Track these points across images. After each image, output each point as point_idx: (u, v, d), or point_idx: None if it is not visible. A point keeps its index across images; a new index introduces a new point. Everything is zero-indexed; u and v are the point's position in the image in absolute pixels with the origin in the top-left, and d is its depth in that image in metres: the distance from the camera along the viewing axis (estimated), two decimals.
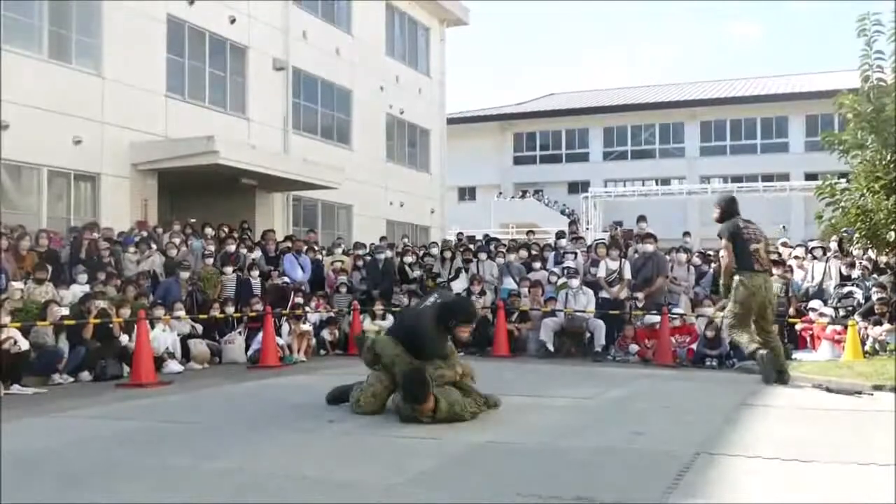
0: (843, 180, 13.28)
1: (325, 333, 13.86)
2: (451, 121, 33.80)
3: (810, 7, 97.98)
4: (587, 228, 32.51)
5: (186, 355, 12.00)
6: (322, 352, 13.70)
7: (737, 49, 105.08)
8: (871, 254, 13.92)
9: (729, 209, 9.51)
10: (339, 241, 18.48)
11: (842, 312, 12.45)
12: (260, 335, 12.18)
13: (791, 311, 12.86)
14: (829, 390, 8.52)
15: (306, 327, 13.19)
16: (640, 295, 13.35)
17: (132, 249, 14.23)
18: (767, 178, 37.76)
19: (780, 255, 15.28)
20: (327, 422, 6.57)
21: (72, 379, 10.27)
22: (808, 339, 12.45)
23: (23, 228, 13.38)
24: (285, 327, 13.01)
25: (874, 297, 12.06)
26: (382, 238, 19.61)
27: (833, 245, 14.53)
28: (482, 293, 14.43)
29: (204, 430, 6.44)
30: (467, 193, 44.61)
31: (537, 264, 15.34)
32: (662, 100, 43.60)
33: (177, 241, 14.90)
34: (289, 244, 16.37)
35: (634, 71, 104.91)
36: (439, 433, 5.95)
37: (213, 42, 19.87)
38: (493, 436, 5.87)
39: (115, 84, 16.99)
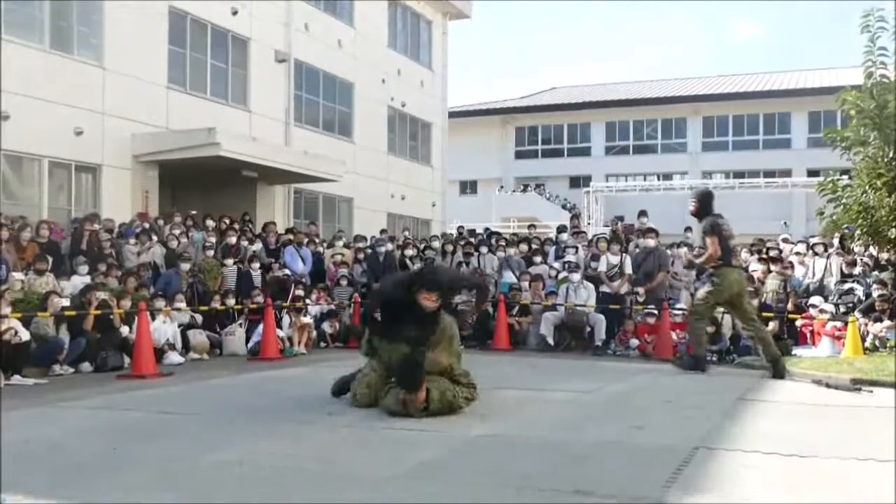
0: (845, 177, 13.27)
1: (326, 326, 13.87)
2: (452, 114, 33.78)
3: (814, 5, 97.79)
4: (588, 223, 32.47)
5: (186, 346, 12.01)
6: (322, 344, 13.71)
7: (740, 47, 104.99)
8: (873, 250, 13.93)
9: (706, 204, 9.82)
10: (339, 233, 18.48)
11: (842, 309, 12.44)
12: (260, 327, 12.18)
13: (790, 306, 12.86)
14: (828, 386, 8.53)
15: (307, 320, 13.20)
16: (640, 290, 13.35)
17: (133, 241, 14.23)
18: (769, 174, 37.72)
19: (780, 251, 15.28)
20: (327, 414, 6.58)
21: (72, 370, 10.28)
22: (809, 335, 12.46)
23: (24, 220, 13.38)
24: (286, 320, 13.01)
25: (875, 294, 12.06)
26: (383, 231, 19.61)
27: (834, 242, 14.52)
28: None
29: (204, 422, 6.45)
30: (468, 187, 44.58)
31: (538, 258, 15.33)
32: (665, 95, 43.53)
33: (178, 232, 14.90)
34: (290, 236, 16.37)
35: (636, 67, 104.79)
36: (438, 426, 5.96)
37: (215, 34, 19.84)
38: (492, 429, 5.88)
39: (116, 75, 16.97)
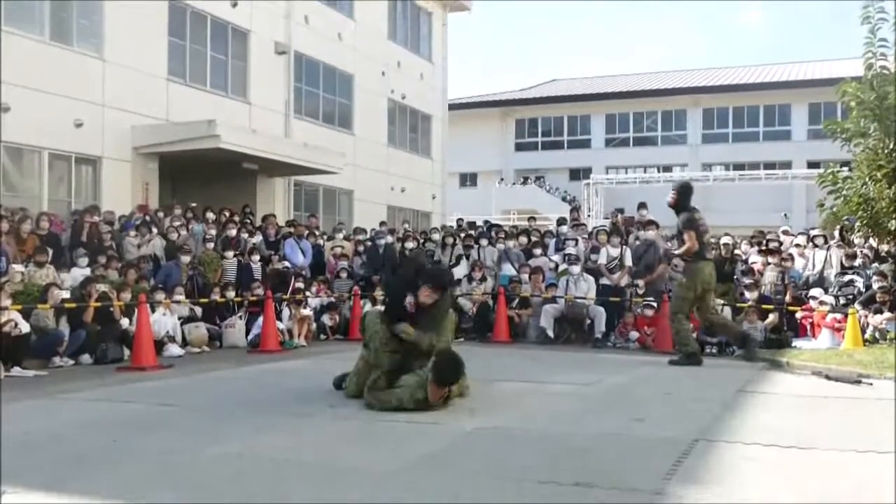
0: (845, 169, 13.26)
1: (326, 318, 13.86)
2: (452, 106, 33.73)
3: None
4: (588, 215, 32.47)
5: (185, 339, 12.01)
6: (322, 337, 13.70)
7: (740, 38, 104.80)
8: (873, 242, 13.92)
9: (685, 197, 10.22)
10: (340, 226, 18.47)
11: (842, 301, 12.44)
12: (260, 320, 12.18)
13: (787, 298, 12.87)
14: (828, 378, 8.54)
15: (307, 312, 13.19)
16: (640, 282, 13.35)
17: (133, 233, 14.23)
18: (769, 165, 37.71)
19: (780, 243, 15.28)
20: (327, 406, 6.58)
21: (72, 362, 10.28)
22: (809, 327, 12.46)
23: (24, 211, 13.37)
24: (286, 312, 13.01)
25: (875, 286, 12.06)
26: (382, 223, 19.59)
27: (835, 233, 14.52)
28: (483, 279, 14.43)
29: (204, 414, 6.45)
30: (468, 179, 44.57)
31: (538, 251, 15.33)
32: (665, 87, 43.48)
33: (178, 224, 14.90)
34: (290, 229, 16.37)
35: (636, 58, 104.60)
36: (439, 418, 5.96)
37: (215, 25, 19.79)
38: (493, 421, 5.88)
39: (116, 67, 16.94)
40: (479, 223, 20.83)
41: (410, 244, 16.25)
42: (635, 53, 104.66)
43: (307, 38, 22.58)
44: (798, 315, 12.60)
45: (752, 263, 14.40)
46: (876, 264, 13.23)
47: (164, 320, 11.51)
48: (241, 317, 12.88)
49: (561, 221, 17.70)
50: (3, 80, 14.38)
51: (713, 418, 6.10)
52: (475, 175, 44.43)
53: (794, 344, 11.72)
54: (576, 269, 13.60)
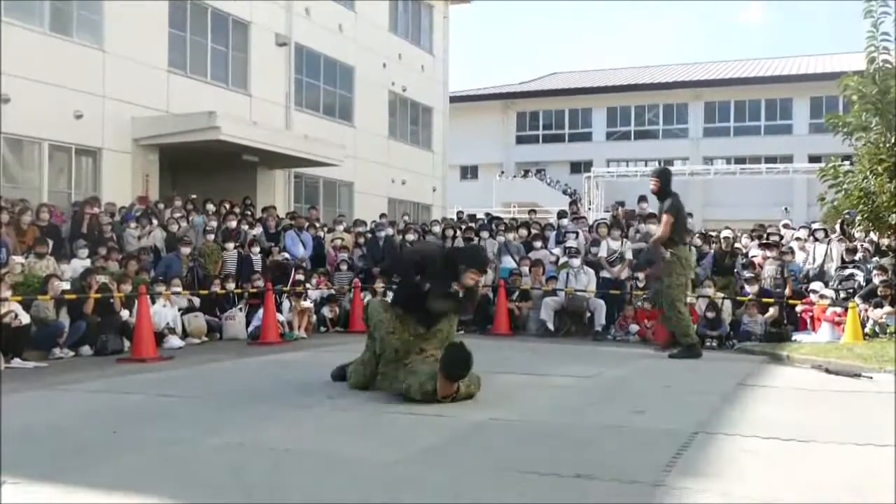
0: (847, 163, 13.26)
1: (326, 310, 13.87)
2: (453, 99, 33.68)
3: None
4: (589, 208, 32.46)
5: (185, 330, 12.02)
6: (322, 329, 13.72)
7: (740, 37, 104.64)
8: (873, 236, 13.92)
9: (667, 182, 10.12)
10: (340, 218, 18.46)
11: (842, 294, 12.45)
12: (261, 311, 12.19)
13: (787, 292, 12.88)
14: (828, 371, 8.55)
15: (307, 304, 13.21)
16: (640, 275, 13.35)
17: (133, 225, 14.22)
18: (771, 159, 37.67)
19: (781, 237, 15.28)
20: (327, 398, 6.58)
21: (72, 353, 10.29)
22: (809, 320, 12.47)
23: (24, 203, 13.36)
24: (286, 304, 13.03)
25: (875, 280, 12.07)
26: (382, 215, 19.58)
27: (836, 227, 14.52)
28: (483, 271, 14.39)
29: (204, 405, 6.45)
30: (469, 172, 44.53)
31: (538, 243, 15.33)
32: (666, 80, 43.41)
33: (178, 216, 14.90)
34: (290, 221, 16.36)
35: (638, 52, 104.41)
36: (440, 410, 5.96)
37: (216, 17, 19.75)
38: (493, 413, 5.88)
39: (116, 58, 16.91)
40: (480, 216, 20.81)
41: (411, 236, 16.25)
42: (637, 47, 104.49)
43: (308, 29, 22.53)
44: (798, 309, 12.61)
45: (753, 257, 14.41)
46: (876, 258, 13.23)
47: (164, 312, 11.52)
48: (241, 309, 12.89)
49: (561, 214, 17.71)
50: (3, 72, 14.35)
51: (713, 411, 6.11)
52: (476, 168, 44.39)
53: (794, 337, 11.74)
54: (576, 261, 13.61)
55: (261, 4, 20.93)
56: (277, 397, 6.72)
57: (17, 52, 14.67)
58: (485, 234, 15.91)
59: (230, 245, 14.16)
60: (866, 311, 11.64)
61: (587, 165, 39.73)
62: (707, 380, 8.11)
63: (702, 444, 4.91)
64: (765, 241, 14.75)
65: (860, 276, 12.81)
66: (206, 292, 12.66)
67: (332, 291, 14.33)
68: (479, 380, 6.50)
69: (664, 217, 9.82)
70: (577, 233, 15.33)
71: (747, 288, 12.70)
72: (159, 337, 10.93)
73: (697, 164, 38.54)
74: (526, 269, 14.29)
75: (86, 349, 10.46)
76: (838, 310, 11.76)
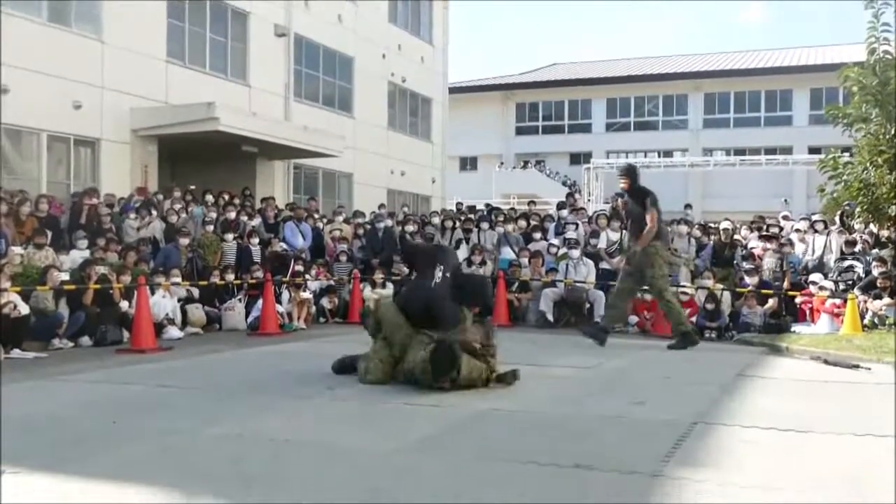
0: (846, 154, 13.26)
1: (325, 301, 13.87)
2: (453, 90, 33.63)
3: None
4: (588, 199, 32.44)
5: (185, 321, 12.02)
6: (321, 320, 13.72)
7: (739, 35, 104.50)
8: (873, 227, 13.92)
9: (637, 179, 10.30)
10: (340, 209, 18.44)
11: (842, 286, 12.45)
12: (260, 302, 12.19)
13: (786, 283, 12.89)
14: (826, 363, 8.55)
15: (306, 295, 13.20)
16: None
17: (132, 216, 14.21)
18: (770, 151, 37.60)
19: (780, 228, 15.28)
20: (326, 389, 6.59)
21: (72, 344, 10.29)
22: (808, 312, 12.47)
23: (24, 194, 13.35)
24: (285, 295, 13.02)
25: (874, 272, 12.07)
26: (382, 206, 19.56)
27: (835, 219, 14.52)
28: (483, 263, 14.43)
29: (203, 396, 6.46)
30: (469, 163, 44.48)
31: (538, 235, 15.32)
32: (666, 71, 43.33)
33: (178, 207, 14.89)
34: (290, 212, 16.35)
35: (637, 50, 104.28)
36: (440, 400, 5.97)
37: (214, 7, 19.69)
38: (493, 404, 5.89)
39: (115, 49, 16.87)
40: (480, 207, 20.79)
41: (410, 227, 16.24)
42: (636, 46, 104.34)
43: (307, 20, 22.47)
44: (797, 300, 12.61)
45: (752, 248, 14.41)
46: (876, 250, 13.23)
47: (163, 303, 11.51)
48: (240, 299, 12.88)
49: (561, 205, 17.71)
50: (3, 63, 14.31)
51: (712, 402, 6.12)
52: (475, 159, 44.35)
53: (793, 329, 11.74)
54: (575, 253, 13.61)
55: None
56: (277, 388, 6.73)
57: (16, 42, 14.62)
58: (484, 224, 15.89)
59: (229, 236, 14.15)
60: (865, 302, 11.65)
61: (587, 157, 39.68)
62: (706, 371, 8.12)
63: (701, 435, 4.92)
64: (764, 233, 14.74)
65: (859, 268, 12.81)
66: (205, 283, 12.65)
67: (332, 282, 14.33)
68: (484, 368, 6.51)
69: (651, 212, 9.94)
70: (576, 224, 15.32)
71: (747, 279, 12.70)
72: (158, 328, 10.91)
73: (697, 156, 38.48)
74: (525, 261, 14.29)
75: (85, 340, 10.46)
76: (837, 301, 11.76)
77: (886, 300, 11.50)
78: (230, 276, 13.01)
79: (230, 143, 17.91)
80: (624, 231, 14.09)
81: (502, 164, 42.54)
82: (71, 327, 10.38)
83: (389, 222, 16.52)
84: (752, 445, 4.67)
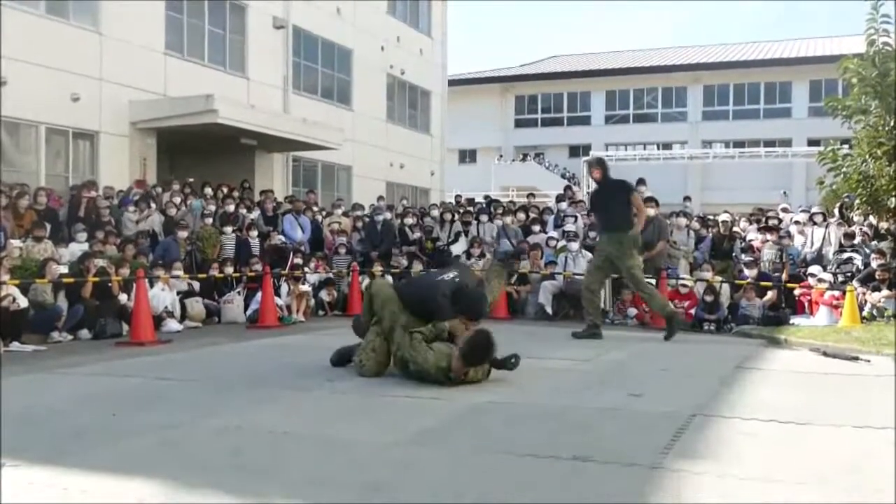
0: (846, 146, 13.23)
1: (324, 294, 13.86)
2: (452, 82, 33.58)
3: None
4: (588, 192, 32.36)
5: (184, 314, 12.02)
6: (320, 312, 13.72)
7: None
8: (872, 220, 13.91)
9: (607, 169, 10.40)
10: (339, 202, 18.42)
11: (840, 278, 12.46)
12: (259, 295, 12.19)
13: (785, 276, 12.89)
14: (825, 355, 8.56)
15: (305, 288, 13.20)
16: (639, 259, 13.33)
17: (131, 208, 14.20)
18: (770, 143, 37.53)
19: (780, 220, 15.27)
20: (326, 381, 6.59)
21: (71, 337, 10.29)
22: (807, 304, 12.48)
23: (24, 187, 13.33)
24: (284, 288, 13.02)
25: (873, 264, 12.06)
26: (380, 198, 19.55)
27: (834, 211, 14.52)
28: (482, 255, 14.42)
29: (202, 388, 6.46)
30: (468, 156, 44.44)
31: (537, 227, 15.32)
32: (665, 63, 43.26)
33: (177, 200, 14.87)
34: (289, 205, 16.33)
35: (637, 36, 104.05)
36: (439, 393, 5.97)
37: None
38: (492, 396, 5.90)
39: (113, 41, 16.83)
40: (479, 199, 20.78)
41: (410, 220, 16.23)
42: (635, 44, 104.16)
43: (305, 12, 22.43)
44: (796, 292, 12.61)
45: (751, 241, 14.41)
46: (875, 242, 13.23)
47: (162, 295, 11.51)
48: (239, 292, 12.88)
49: (560, 198, 17.68)
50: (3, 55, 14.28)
51: (711, 394, 6.12)
52: (474, 151, 44.30)
53: (791, 321, 11.74)
54: (574, 245, 13.61)
55: None
56: (276, 380, 6.73)
57: (14, 34, 14.59)
58: (483, 217, 15.89)
59: (228, 229, 14.13)
60: (864, 294, 11.65)
61: (586, 149, 39.56)
62: (705, 363, 8.13)
63: (700, 427, 4.92)
64: (764, 225, 14.74)
65: (858, 260, 12.81)
66: (204, 276, 12.65)
67: (331, 275, 14.32)
68: (488, 370, 6.52)
69: (637, 198, 10.24)
70: (575, 217, 15.31)
71: (746, 271, 12.70)
72: (157, 320, 10.92)
73: (696, 148, 38.39)
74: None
75: (84, 333, 10.46)
76: (836, 293, 11.76)
77: (885, 292, 11.50)
78: (229, 269, 13.00)
79: (229, 135, 17.90)
80: None
81: (501, 156, 42.51)
82: (70, 320, 10.38)
83: (388, 215, 16.51)
84: (751, 437, 4.67)
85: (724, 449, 4.40)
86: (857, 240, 13.48)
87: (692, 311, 12.33)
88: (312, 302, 13.51)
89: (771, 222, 14.88)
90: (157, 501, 3.51)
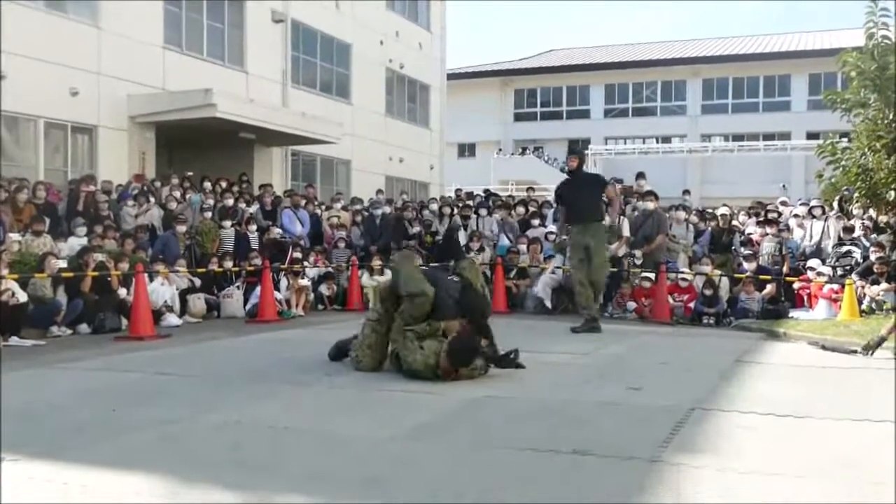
0: (845, 140, 13.22)
1: (323, 288, 13.87)
2: (451, 76, 33.54)
3: None
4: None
5: (184, 309, 12.02)
6: (320, 307, 13.72)
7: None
8: (871, 213, 13.91)
9: (584, 158, 10.70)
10: (338, 195, 18.42)
11: (839, 271, 12.46)
12: (258, 290, 12.19)
13: (784, 269, 12.90)
14: (824, 348, 8.57)
15: (304, 282, 13.20)
16: (637, 252, 13.34)
17: (130, 203, 14.19)
18: (769, 136, 37.60)
19: (779, 214, 15.27)
20: (324, 376, 6.60)
21: (70, 331, 10.29)
22: (806, 297, 12.49)
23: (23, 181, 13.32)
24: (283, 282, 13.02)
25: (872, 257, 12.07)
26: (379, 191, 19.54)
27: (833, 204, 14.51)
28: (481, 249, 14.42)
29: (202, 383, 6.46)
30: (467, 150, 44.41)
31: (536, 221, 15.32)
32: (664, 57, 43.23)
33: (177, 194, 14.86)
34: (288, 199, 16.32)
35: (636, 29, 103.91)
36: (437, 388, 5.98)
37: None
38: (491, 391, 5.90)
39: (111, 35, 16.79)
40: (478, 193, 20.77)
41: (409, 214, 16.22)
42: (635, 23, 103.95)
43: (304, 6, 22.37)
44: (795, 286, 12.62)
45: (750, 234, 14.41)
46: (874, 235, 13.23)
47: (161, 290, 11.51)
48: (238, 287, 12.88)
49: None
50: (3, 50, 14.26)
51: (710, 387, 6.13)
52: (473, 145, 44.28)
53: (791, 314, 11.74)
54: None
55: None
56: (275, 375, 6.73)
57: (12, 28, 14.54)
58: (483, 211, 15.89)
59: (227, 223, 14.12)
60: (863, 287, 11.66)
61: (585, 143, 39.63)
62: (704, 356, 8.13)
63: (698, 421, 4.93)
64: (763, 219, 14.74)
65: (857, 253, 12.82)
66: (203, 270, 12.64)
67: (330, 269, 14.32)
68: (485, 365, 6.52)
69: (615, 195, 10.66)
70: None
71: (745, 265, 12.70)
72: (157, 315, 10.92)
73: (695, 142, 38.48)
74: (523, 247, 14.28)
75: (83, 327, 10.46)
76: (835, 287, 11.77)
77: (884, 285, 11.51)
78: (228, 264, 12.99)
79: (228, 129, 17.87)
80: (621, 216, 14.05)
81: (500, 150, 42.49)
82: (69, 315, 10.38)
83: (387, 209, 16.50)
84: (750, 431, 4.68)
85: (723, 442, 4.41)
86: (857, 233, 13.48)
87: (691, 305, 12.33)
88: (312, 296, 13.52)
89: (770, 216, 14.88)
90: (156, 496, 3.52)
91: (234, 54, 20.39)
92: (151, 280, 11.22)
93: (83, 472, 3.86)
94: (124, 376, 6.88)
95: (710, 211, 16.27)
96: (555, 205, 12.27)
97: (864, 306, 11.40)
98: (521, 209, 16.03)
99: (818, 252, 13.48)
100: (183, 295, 12.12)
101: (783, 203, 16.73)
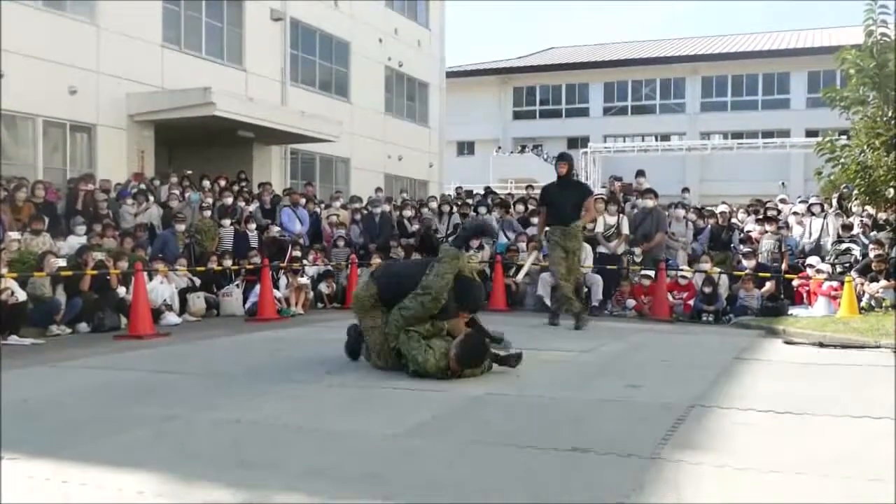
0: (844, 137, 13.23)
1: (323, 287, 13.87)
2: (450, 74, 33.52)
3: None
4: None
5: (184, 308, 12.02)
6: (319, 305, 13.72)
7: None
8: (870, 210, 13.92)
9: (574, 165, 10.85)
10: (337, 194, 18.42)
11: (838, 269, 12.47)
12: (257, 288, 12.19)
13: (783, 266, 12.91)
14: (822, 345, 8.57)
15: (304, 280, 13.20)
16: (637, 250, 13.35)
17: (130, 201, 14.19)
18: (768, 134, 37.56)
19: (778, 211, 15.28)
20: (324, 373, 6.60)
21: (69, 330, 10.30)
22: (805, 294, 12.49)
23: (23, 180, 13.31)
24: (283, 280, 13.02)
25: (871, 254, 12.08)
26: (378, 189, 19.53)
27: (833, 202, 14.53)
28: (481, 247, 14.41)
29: (201, 381, 6.46)
30: (466, 148, 44.39)
31: (535, 219, 15.30)
32: (663, 55, 43.20)
33: (177, 192, 14.86)
34: (287, 197, 16.32)
35: (635, 27, 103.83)
36: (438, 385, 5.98)
37: None
38: (491, 388, 5.90)
39: (110, 33, 16.79)
40: (478, 191, 20.77)
41: (408, 212, 16.22)
42: (634, 21, 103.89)
43: (303, 4, 22.36)
44: (795, 283, 12.63)
45: (750, 231, 14.42)
46: (873, 232, 13.24)
47: (161, 288, 11.51)
48: (238, 285, 12.88)
49: None
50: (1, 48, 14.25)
51: (709, 385, 6.13)
52: (473, 143, 44.25)
53: (790, 312, 11.75)
54: None
55: None
56: (274, 373, 6.73)
57: (11, 27, 14.54)
58: (482, 209, 15.89)
59: (226, 222, 14.12)
60: (862, 285, 11.66)
61: (584, 141, 39.59)
62: (703, 354, 8.13)
63: (698, 418, 4.93)
64: (763, 216, 14.75)
65: (856, 251, 12.83)
66: (202, 269, 12.64)
67: (329, 267, 14.32)
68: (490, 364, 6.53)
69: (591, 204, 10.76)
70: None
71: (744, 262, 12.71)
72: (156, 313, 10.92)
73: (694, 139, 38.44)
74: (523, 245, 14.27)
75: (83, 326, 10.46)
76: (834, 284, 11.78)
77: (883, 282, 11.51)
78: (228, 262, 13.00)
79: (227, 128, 17.86)
80: (621, 215, 14.06)
81: (500, 148, 42.45)
82: (68, 313, 10.38)
83: (386, 207, 16.50)
84: (749, 428, 4.68)
85: (723, 439, 4.41)
86: (856, 230, 13.49)
87: (691, 303, 12.34)
88: (311, 294, 13.52)
89: (769, 213, 14.89)
90: (156, 494, 3.52)
91: (233, 53, 20.38)
92: (151, 279, 11.22)
93: (82, 470, 3.85)
94: (123, 374, 6.88)
95: (709, 208, 16.28)
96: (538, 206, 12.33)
97: (863, 303, 11.41)
98: (520, 207, 16.02)
99: (817, 249, 13.49)
100: (182, 293, 12.13)
101: (782, 200, 16.74)
